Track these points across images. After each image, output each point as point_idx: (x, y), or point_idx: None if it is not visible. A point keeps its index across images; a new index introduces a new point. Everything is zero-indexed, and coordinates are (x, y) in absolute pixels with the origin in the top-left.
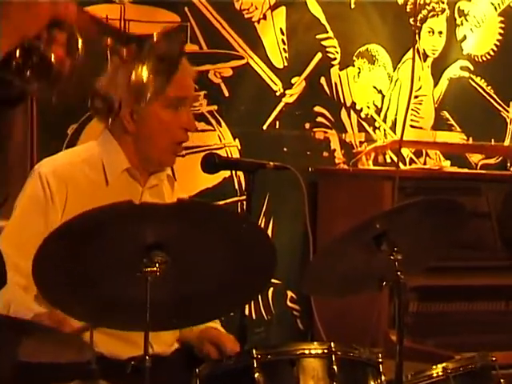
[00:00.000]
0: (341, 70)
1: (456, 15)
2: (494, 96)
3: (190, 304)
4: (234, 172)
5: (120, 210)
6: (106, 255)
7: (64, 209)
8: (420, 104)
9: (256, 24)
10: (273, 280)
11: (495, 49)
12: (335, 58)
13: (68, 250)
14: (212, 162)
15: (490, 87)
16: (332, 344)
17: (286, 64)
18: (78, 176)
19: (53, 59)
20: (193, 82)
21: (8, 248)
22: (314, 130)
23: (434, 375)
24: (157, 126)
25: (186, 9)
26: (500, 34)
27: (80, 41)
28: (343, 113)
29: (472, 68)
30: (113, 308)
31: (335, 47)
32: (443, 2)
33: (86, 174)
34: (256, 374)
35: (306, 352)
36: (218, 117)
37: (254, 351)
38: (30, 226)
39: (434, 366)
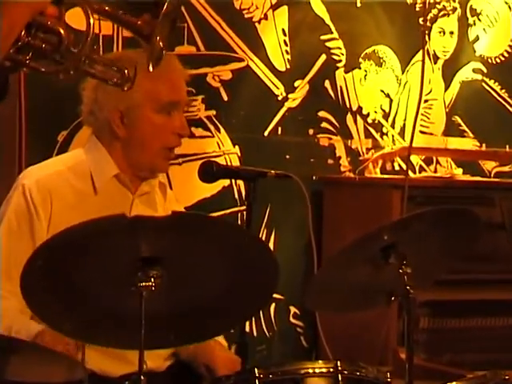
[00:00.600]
0: (346, 72)
1: (468, 14)
2: (509, 100)
3: (188, 320)
4: (233, 181)
5: (111, 224)
6: (98, 270)
7: (49, 222)
8: (430, 108)
9: (257, 24)
10: (275, 295)
11: (510, 50)
12: (340, 60)
13: (56, 265)
14: (210, 171)
15: (504, 90)
16: (338, 362)
17: (288, 66)
18: (63, 186)
19: (62, 32)
20: (185, 85)
21: None
22: (318, 136)
23: None
24: (149, 131)
25: (183, 8)
26: None
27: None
28: (349, 118)
29: (485, 70)
30: (105, 325)
31: (340, 48)
32: (454, 1)
33: (71, 184)
34: None
35: (311, 371)
36: (216, 122)
37: (256, 370)
38: (16, 247)
39: None
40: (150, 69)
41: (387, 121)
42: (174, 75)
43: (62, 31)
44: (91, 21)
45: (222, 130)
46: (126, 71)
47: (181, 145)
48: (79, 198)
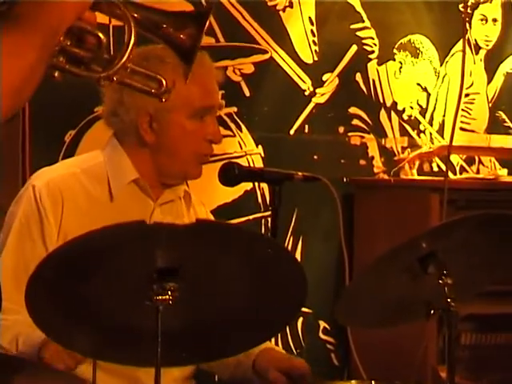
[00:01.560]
0: (379, 64)
1: None
2: None
3: (207, 337)
4: (256, 184)
5: (129, 232)
6: (111, 281)
7: (59, 228)
8: (472, 103)
9: (281, 13)
10: (303, 309)
11: None
12: (373, 52)
13: (65, 276)
14: (231, 173)
15: None
16: (372, 382)
17: (315, 59)
18: (76, 189)
19: (102, 38)
20: (218, 87)
21: (6, 281)
22: (349, 134)
23: None
24: (179, 137)
25: None
26: None
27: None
28: (382, 114)
29: None
30: (118, 341)
31: (373, 38)
32: None
33: (85, 188)
34: None
35: None
36: (237, 120)
37: None
38: (27, 251)
39: None
40: (187, 82)
41: (424, 117)
42: (208, 77)
43: (101, 37)
44: (132, 31)
45: (244, 128)
46: (164, 82)
47: (212, 152)
48: (93, 203)
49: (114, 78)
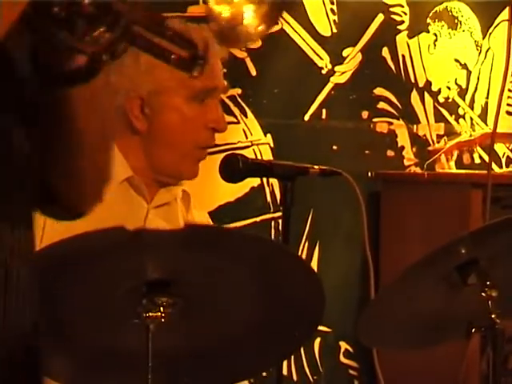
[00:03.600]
0: (410, 37)
1: None
2: None
3: (207, 360)
4: (265, 180)
5: (108, 240)
6: (93, 296)
7: (42, 235)
8: None
9: None
10: (320, 327)
11: None
12: (402, 22)
13: (40, 293)
14: (235, 167)
15: None
16: None
17: (334, 30)
18: None
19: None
20: (222, 67)
21: None
22: (375, 120)
23: None
24: (177, 124)
25: None
26: None
27: None
28: (414, 96)
29: None
30: (103, 366)
31: (402, 6)
32: None
33: None
34: None
35: None
36: (242, 104)
37: None
38: None
39: None
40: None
41: (464, 99)
42: (210, 55)
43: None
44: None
45: (250, 113)
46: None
47: (214, 144)
48: None
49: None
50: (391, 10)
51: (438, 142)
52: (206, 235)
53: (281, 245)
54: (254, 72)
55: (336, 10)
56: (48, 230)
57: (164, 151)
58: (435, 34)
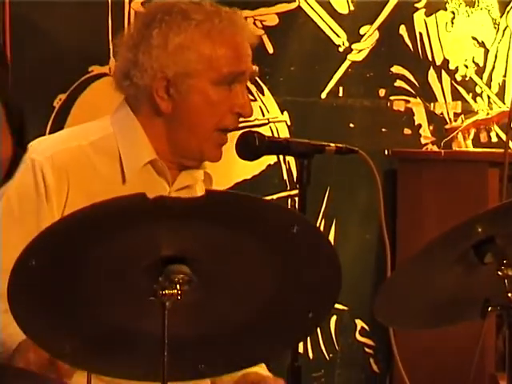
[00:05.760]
0: (428, 15)
1: None
2: None
3: (223, 342)
4: (281, 157)
5: (126, 208)
6: (107, 272)
7: (63, 212)
8: None
9: None
10: (336, 305)
11: None
12: (420, 0)
13: (53, 267)
14: (251, 145)
15: None
16: None
17: (351, 8)
18: (85, 167)
19: None
20: (251, 51)
21: None
22: (392, 98)
23: None
24: (202, 107)
25: None
26: None
27: None
28: (431, 74)
29: None
30: (115, 346)
31: None
32: None
33: (94, 165)
34: None
35: None
36: (259, 82)
37: None
38: (15, 237)
39: None
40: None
41: (481, 78)
42: (240, 38)
43: None
44: None
45: (267, 91)
46: None
47: (238, 127)
48: (103, 184)
49: None
50: None
51: (455, 121)
52: (227, 202)
53: (305, 217)
54: (270, 49)
55: None
56: (69, 209)
57: (187, 134)
58: (453, 12)
